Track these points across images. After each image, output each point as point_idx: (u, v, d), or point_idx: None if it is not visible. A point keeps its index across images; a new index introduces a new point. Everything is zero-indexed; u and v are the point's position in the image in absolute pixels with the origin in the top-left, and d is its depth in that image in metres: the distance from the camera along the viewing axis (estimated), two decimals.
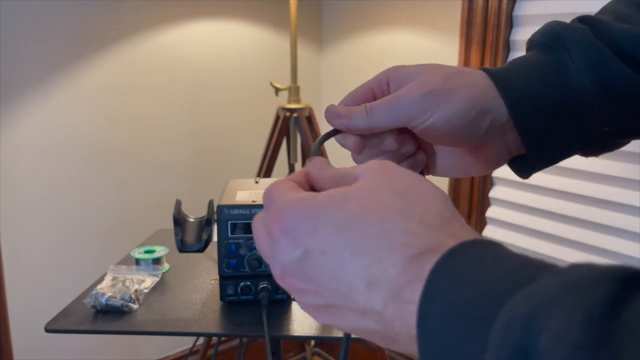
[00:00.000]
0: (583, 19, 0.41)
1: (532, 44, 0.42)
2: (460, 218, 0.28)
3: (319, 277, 0.27)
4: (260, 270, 0.79)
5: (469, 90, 0.39)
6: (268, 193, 0.31)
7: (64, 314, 0.79)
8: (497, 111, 0.39)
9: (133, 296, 0.80)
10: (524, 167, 0.43)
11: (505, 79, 0.39)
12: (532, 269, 0.26)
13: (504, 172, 1.45)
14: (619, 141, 0.42)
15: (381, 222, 0.27)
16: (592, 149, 0.43)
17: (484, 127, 0.39)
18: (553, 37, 0.40)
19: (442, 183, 1.64)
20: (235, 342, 1.96)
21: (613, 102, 0.38)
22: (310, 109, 1.56)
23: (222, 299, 0.80)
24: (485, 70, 0.40)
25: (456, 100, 0.38)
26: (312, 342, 2.12)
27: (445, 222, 0.27)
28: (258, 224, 0.31)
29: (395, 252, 0.26)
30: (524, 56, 0.42)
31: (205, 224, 0.81)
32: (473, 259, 0.25)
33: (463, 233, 0.27)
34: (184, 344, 1.87)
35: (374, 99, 0.42)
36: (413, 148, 0.43)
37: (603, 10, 0.43)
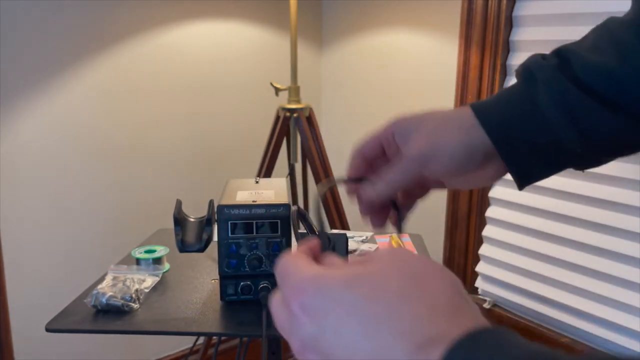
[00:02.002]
0: (559, 52, 0.46)
1: (516, 74, 0.47)
2: (472, 305, 0.28)
3: (333, 355, 0.28)
4: (260, 270, 0.79)
5: (455, 136, 0.45)
6: (283, 268, 0.32)
7: (64, 313, 0.79)
8: (485, 143, 0.45)
9: (133, 296, 0.81)
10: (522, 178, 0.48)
11: (488, 115, 0.45)
12: None
13: None
14: (603, 159, 0.46)
15: (390, 307, 0.27)
16: (578, 166, 0.47)
17: (477, 159, 0.45)
18: (525, 72, 0.46)
19: None
20: (236, 341, 1.96)
21: (580, 131, 0.43)
22: (311, 109, 1.56)
23: (222, 298, 0.81)
24: (472, 106, 0.46)
25: (443, 153, 0.45)
26: None
27: (455, 309, 0.27)
28: (276, 301, 0.32)
29: (403, 339, 0.26)
30: (509, 87, 0.47)
31: (205, 223, 0.81)
32: (481, 350, 0.25)
33: (472, 322, 0.27)
34: (185, 343, 1.87)
35: (383, 153, 0.50)
36: (413, 203, 0.53)
37: (587, 37, 0.46)
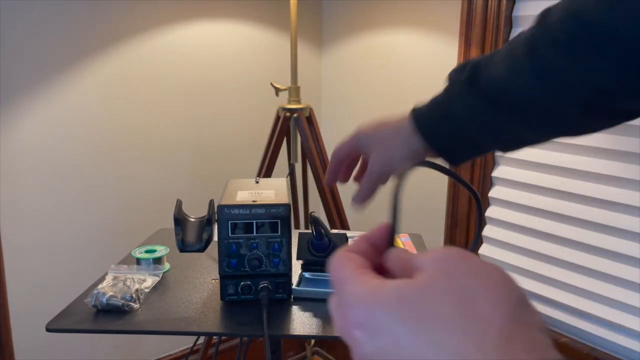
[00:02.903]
0: (472, 66, 0.56)
1: (447, 79, 0.60)
2: (532, 328, 0.25)
3: None
4: (260, 270, 0.79)
5: (401, 150, 0.61)
6: (336, 274, 0.30)
7: (65, 313, 0.79)
8: (423, 144, 0.60)
9: (134, 295, 0.81)
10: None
11: (421, 123, 0.60)
12: None
13: (503, 172, 1.45)
14: (513, 149, 0.59)
15: (434, 340, 0.24)
16: (504, 149, 0.60)
17: (422, 155, 0.61)
18: (447, 84, 0.60)
19: (442, 180, 1.64)
20: (236, 341, 1.97)
21: (486, 134, 0.56)
22: (311, 109, 1.56)
23: (222, 298, 0.81)
24: (413, 113, 0.62)
25: (396, 166, 0.62)
26: (312, 342, 2.13)
27: (506, 342, 0.24)
28: (334, 304, 0.30)
29: None
30: (440, 95, 0.60)
31: (205, 223, 0.81)
32: None
33: (528, 353, 0.24)
34: (185, 343, 1.87)
35: (353, 155, 0.69)
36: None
37: (498, 51, 0.55)
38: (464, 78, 0.56)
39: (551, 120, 0.51)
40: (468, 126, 0.56)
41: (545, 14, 0.50)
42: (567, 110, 0.49)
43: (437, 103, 0.59)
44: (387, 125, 0.63)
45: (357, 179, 0.72)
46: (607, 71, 0.45)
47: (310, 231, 0.87)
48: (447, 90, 0.58)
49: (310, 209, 1.97)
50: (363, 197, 0.68)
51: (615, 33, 0.43)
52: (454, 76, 0.58)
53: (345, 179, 0.73)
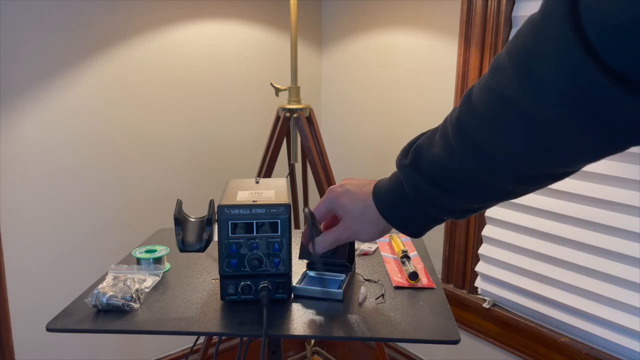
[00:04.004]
0: (413, 150, 0.62)
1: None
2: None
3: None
4: (260, 270, 0.79)
5: (368, 229, 0.72)
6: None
7: (65, 313, 0.80)
8: (387, 224, 0.70)
9: (134, 295, 0.81)
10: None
11: (384, 208, 0.68)
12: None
13: None
14: (460, 217, 0.64)
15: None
16: (460, 217, 0.65)
17: (385, 232, 0.72)
18: (397, 169, 0.65)
19: None
20: (236, 341, 1.97)
21: (434, 210, 0.63)
22: (311, 109, 1.56)
23: (222, 298, 0.81)
24: (375, 201, 0.69)
25: (363, 238, 0.74)
26: (312, 342, 2.13)
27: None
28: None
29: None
30: (394, 180, 0.67)
31: (206, 223, 0.81)
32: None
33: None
34: (185, 343, 1.87)
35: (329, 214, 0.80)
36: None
37: (434, 131, 0.61)
38: (409, 163, 0.62)
39: (489, 191, 0.56)
40: (423, 205, 0.62)
41: (469, 92, 0.53)
42: (501, 182, 0.54)
43: (393, 187, 0.66)
44: (356, 199, 0.71)
45: (327, 227, 0.81)
46: (524, 145, 0.48)
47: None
48: (398, 176, 0.65)
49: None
50: (323, 249, 0.78)
51: (526, 111, 0.45)
52: (400, 161, 0.64)
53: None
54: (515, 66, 0.45)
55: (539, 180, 0.54)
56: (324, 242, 0.77)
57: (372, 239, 0.72)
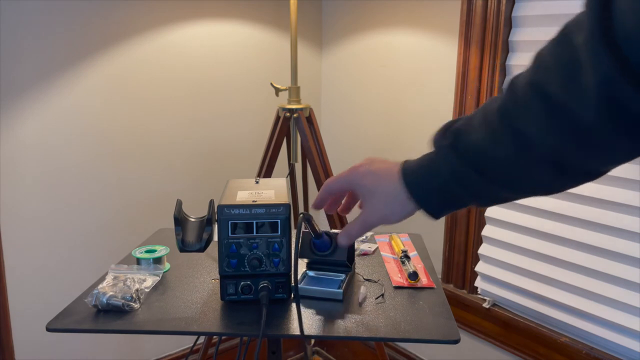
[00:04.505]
0: (453, 131, 0.62)
1: (431, 143, 0.66)
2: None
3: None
4: (260, 270, 0.79)
5: (397, 210, 0.68)
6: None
7: (65, 313, 0.80)
8: (415, 206, 0.67)
9: (134, 295, 0.81)
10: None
11: (414, 189, 0.66)
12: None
13: None
14: (494, 204, 0.65)
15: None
16: (486, 205, 0.65)
17: (412, 213, 0.69)
18: (433, 147, 0.64)
19: None
20: (236, 341, 1.97)
21: (470, 194, 0.62)
22: (311, 109, 1.56)
23: (222, 298, 0.81)
24: (405, 182, 0.66)
25: (391, 221, 0.70)
26: (312, 341, 2.13)
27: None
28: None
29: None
30: (428, 158, 0.65)
31: (206, 223, 0.81)
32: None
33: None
34: (185, 343, 1.87)
35: (343, 192, 0.78)
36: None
37: (474, 115, 0.61)
38: (448, 143, 0.61)
39: (524, 181, 0.57)
40: (455, 189, 0.62)
41: (513, 83, 0.55)
42: (543, 174, 0.55)
43: (426, 169, 0.65)
44: (382, 180, 0.69)
45: (343, 211, 0.79)
46: (563, 139, 0.50)
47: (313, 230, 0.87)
48: (433, 156, 0.64)
49: (310, 209, 1.98)
50: (350, 238, 0.74)
51: (573, 110, 0.47)
52: (437, 141, 0.64)
53: (330, 210, 0.79)
54: (558, 68, 0.48)
55: (574, 176, 0.55)
56: (352, 231, 0.73)
57: (399, 220, 0.69)
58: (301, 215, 0.77)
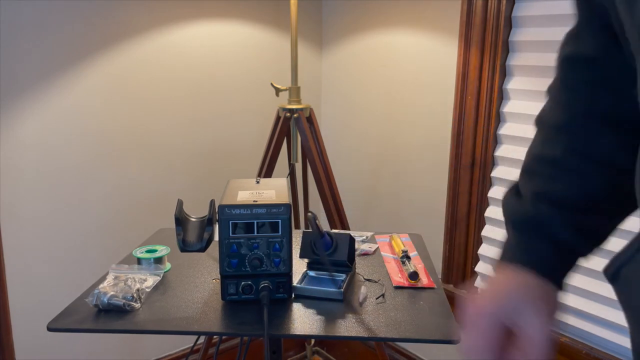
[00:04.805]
0: (534, 196, 0.58)
1: (525, 228, 0.60)
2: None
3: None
4: (261, 270, 0.80)
5: (554, 309, 0.58)
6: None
7: (66, 313, 0.80)
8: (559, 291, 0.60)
9: (135, 295, 0.81)
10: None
11: (555, 278, 0.59)
12: None
13: (502, 172, 1.45)
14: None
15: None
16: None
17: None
18: (535, 230, 0.58)
19: (442, 181, 1.64)
20: (236, 341, 1.97)
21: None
22: (311, 110, 1.56)
23: (223, 298, 0.81)
24: (551, 280, 0.58)
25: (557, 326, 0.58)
26: (312, 341, 2.13)
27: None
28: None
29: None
30: (537, 247, 0.58)
31: (206, 223, 0.81)
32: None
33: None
34: (185, 342, 1.87)
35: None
36: None
37: (555, 175, 0.58)
38: (540, 212, 0.58)
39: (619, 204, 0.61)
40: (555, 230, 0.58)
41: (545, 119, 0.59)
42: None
43: (546, 257, 0.59)
44: (531, 291, 0.56)
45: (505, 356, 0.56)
46: None
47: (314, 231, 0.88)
48: (538, 239, 0.59)
49: (311, 209, 1.98)
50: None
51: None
52: (524, 217, 0.59)
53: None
54: None
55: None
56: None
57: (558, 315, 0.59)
58: (310, 214, 0.78)
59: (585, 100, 0.57)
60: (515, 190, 0.61)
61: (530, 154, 0.61)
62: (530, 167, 0.60)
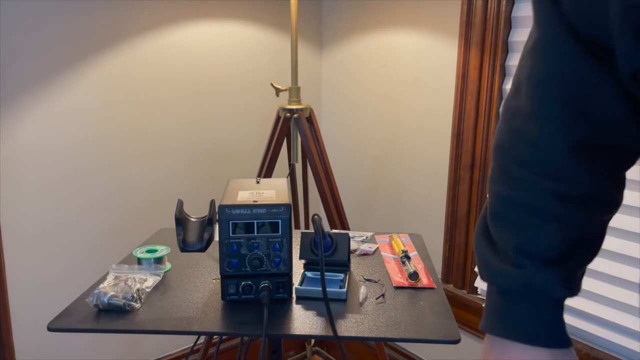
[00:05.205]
0: (532, 279, 0.53)
1: (517, 297, 0.54)
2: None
3: None
4: (261, 270, 0.80)
5: None
6: None
7: (66, 312, 0.80)
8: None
9: (135, 295, 0.81)
10: None
11: (565, 344, 0.55)
12: None
13: None
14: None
15: None
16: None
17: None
18: (530, 296, 0.53)
19: (442, 181, 1.64)
20: (237, 341, 1.97)
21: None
22: (311, 110, 1.56)
23: (223, 298, 0.81)
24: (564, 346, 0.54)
25: None
26: (312, 341, 2.13)
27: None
28: None
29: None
30: (540, 318, 0.54)
31: (206, 223, 0.81)
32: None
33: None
34: (185, 343, 1.87)
35: None
36: None
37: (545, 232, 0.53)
38: (531, 275, 0.52)
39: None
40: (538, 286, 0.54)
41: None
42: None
43: (550, 326, 0.56)
44: None
45: None
46: None
47: (312, 231, 0.88)
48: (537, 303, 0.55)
49: (311, 209, 1.98)
50: None
51: None
52: (515, 284, 0.53)
53: None
54: None
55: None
56: None
57: None
58: (315, 216, 0.79)
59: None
60: (488, 237, 0.56)
61: (495, 194, 0.55)
62: (500, 212, 0.54)
